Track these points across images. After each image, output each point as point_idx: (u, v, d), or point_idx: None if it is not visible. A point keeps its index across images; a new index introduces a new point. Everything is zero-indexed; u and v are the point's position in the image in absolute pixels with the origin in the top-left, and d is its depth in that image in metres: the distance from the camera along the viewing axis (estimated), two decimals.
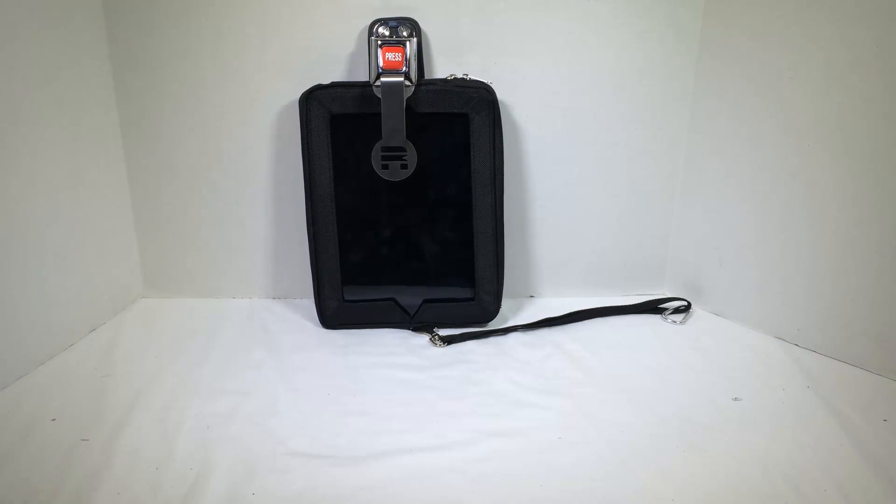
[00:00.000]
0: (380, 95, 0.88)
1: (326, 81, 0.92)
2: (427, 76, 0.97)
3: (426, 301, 0.97)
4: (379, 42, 0.88)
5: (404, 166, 0.92)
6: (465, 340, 0.95)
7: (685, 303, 1.05)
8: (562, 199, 1.06)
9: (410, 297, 0.98)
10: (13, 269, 0.82)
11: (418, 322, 0.98)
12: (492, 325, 0.99)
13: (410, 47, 0.88)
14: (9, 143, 0.80)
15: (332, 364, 0.88)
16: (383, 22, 0.94)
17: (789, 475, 0.66)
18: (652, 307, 1.06)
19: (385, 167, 0.92)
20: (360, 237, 0.97)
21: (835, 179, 0.87)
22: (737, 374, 0.86)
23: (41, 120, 0.85)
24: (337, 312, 0.98)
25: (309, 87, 0.91)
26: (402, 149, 0.91)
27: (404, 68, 0.88)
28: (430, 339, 0.95)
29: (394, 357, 0.90)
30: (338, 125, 0.92)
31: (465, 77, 0.94)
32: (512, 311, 1.04)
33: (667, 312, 1.04)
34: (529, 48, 0.98)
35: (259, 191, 1.04)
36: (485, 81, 0.93)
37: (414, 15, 0.95)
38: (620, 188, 1.06)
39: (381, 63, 0.88)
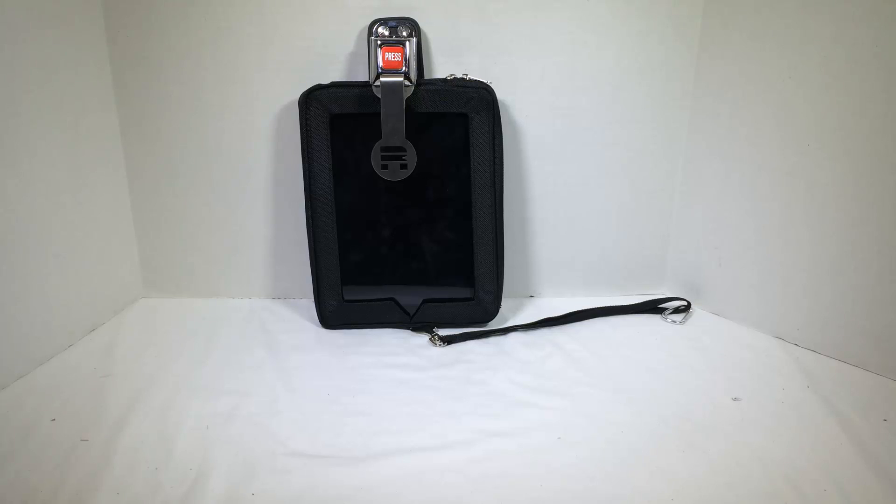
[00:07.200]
0: (379, 95, 0.88)
1: (326, 81, 0.92)
2: (427, 76, 0.97)
3: (426, 301, 0.97)
4: (378, 42, 0.88)
5: (404, 166, 0.92)
6: (464, 340, 0.95)
7: (685, 303, 1.05)
8: (562, 199, 1.06)
9: (410, 297, 0.98)
10: (13, 269, 0.82)
11: (418, 322, 0.98)
12: (491, 325, 0.99)
13: (410, 47, 0.88)
14: (9, 143, 0.80)
15: (331, 364, 0.88)
16: (383, 22, 0.94)
17: (789, 475, 0.66)
18: (652, 307, 1.06)
19: (385, 167, 0.92)
20: (360, 237, 0.97)
21: (835, 179, 0.87)
22: (737, 373, 0.86)
23: (41, 120, 0.85)
24: (336, 312, 0.98)
25: (309, 87, 0.91)
26: (402, 149, 0.91)
27: (404, 68, 0.88)
28: (430, 339, 0.95)
29: (394, 357, 0.90)
30: (337, 125, 0.92)
31: (464, 77, 0.94)
32: (512, 311, 1.04)
33: (667, 312, 1.05)
34: (529, 48, 0.98)
35: (259, 191, 1.04)
36: (485, 81, 0.93)
37: (414, 15, 0.95)
38: (620, 188, 1.06)
39: (380, 63, 0.88)
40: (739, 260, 1.00)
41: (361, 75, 0.96)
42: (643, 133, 1.03)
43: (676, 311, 1.05)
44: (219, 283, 1.09)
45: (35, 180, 0.85)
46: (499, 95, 0.93)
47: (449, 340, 0.94)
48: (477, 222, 0.95)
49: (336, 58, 0.98)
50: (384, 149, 0.91)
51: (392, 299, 0.98)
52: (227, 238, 1.06)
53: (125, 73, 0.98)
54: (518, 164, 1.04)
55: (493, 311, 0.98)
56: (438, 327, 0.97)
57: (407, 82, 0.88)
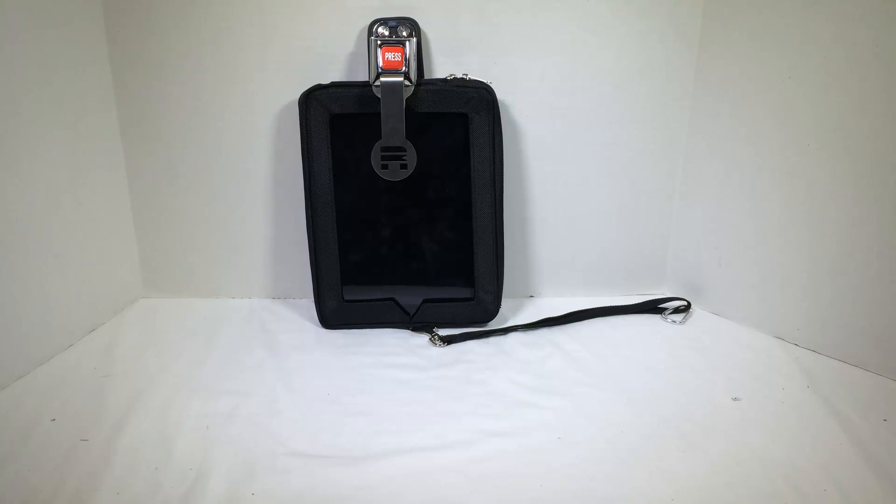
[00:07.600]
0: (379, 95, 0.88)
1: (326, 81, 0.92)
2: (427, 76, 0.97)
3: (426, 301, 0.97)
4: (378, 42, 0.88)
5: (404, 166, 0.92)
6: (464, 340, 0.95)
7: (685, 303, 1.05)
8: (562, 199, 1.06)
9: (410, 297, 0.98)
10: (13, 269, 0.82)
11: (418, 322, 0.98)
12: (491, 325, 0.99)
13: (410, 47, 0.88)
14: (9, 143, 0.80)
15: (331, 364, 0.88)
16: (383, 22, 0.94)
17: (789, 475, 0.66)
18: (652, 307, 1.06)
19: (385, 167, 0.92)
20: (360, 237, 0.97)
21: (834, 179, 0.87)
22: (737, 374, 0.86)
23: (41, 120, 0.85)
24: (336, 312, 0.98)
25: (309, 87, 0.91)
26: (402, 149, 0.91)
27: (404, 68, 0.88)
28: (430, 339, 0.95)
29: (394, 357, 0.90)
30: (337, 125, 0.93)
31: (464, 77, 0.94)
32: (512, 311, 1.04)
33: (667, 312, 1.05)
34: (529, 48, 0.98)
35: (259, 191, 1.04)
36: (485, 81, 0.93)
37: (414, 15, 0.95)
38: (620, 188, 1.06)
39: (380, 63, 0.88)
40: (739, 260, 1.00)
41: (361, 75, 0.96)
42: (643, 133, 1.03)
43: (676, 311, 1.05)
44: (219, 283, 1.09)
45: (35, 180, 0.85)
46: (499, 95, 0.93)
47: (449, 340, 0.94)
48: (477, 222, 0.95)
49: (336, 58, 0.98)
50: (384, 149, 0.91)
51: (392, 299, 0.98)
52: (227, 238, 1.06)
53: (125, 73, 0.98)
54: (518, 164, 1.04)
55: (493, 311, 0.98)
56: (438, 327, 0.97)
57: (407, 82, 0.88)
